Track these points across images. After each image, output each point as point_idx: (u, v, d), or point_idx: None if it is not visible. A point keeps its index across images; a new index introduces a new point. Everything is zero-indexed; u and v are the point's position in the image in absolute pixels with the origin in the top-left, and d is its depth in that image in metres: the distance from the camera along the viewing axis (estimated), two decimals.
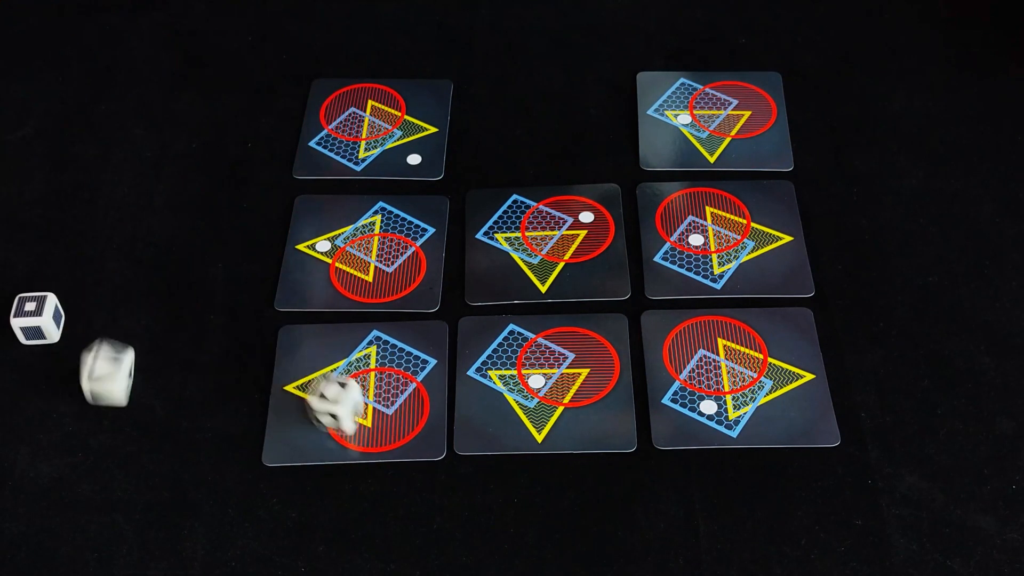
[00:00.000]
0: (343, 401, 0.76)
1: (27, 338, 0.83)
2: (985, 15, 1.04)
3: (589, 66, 1.01)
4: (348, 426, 0.77)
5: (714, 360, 0.82)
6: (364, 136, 0.96)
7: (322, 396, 0.76)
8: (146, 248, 0.89)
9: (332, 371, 0.81)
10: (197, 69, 1.01)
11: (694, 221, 0.89)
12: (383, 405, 0.80)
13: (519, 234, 0.89)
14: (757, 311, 0.84)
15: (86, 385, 0.77)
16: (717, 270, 0.86)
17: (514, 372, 0.81)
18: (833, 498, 0.75)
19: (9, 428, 0.79)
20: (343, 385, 0.77)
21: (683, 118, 0.96)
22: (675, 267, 0.87)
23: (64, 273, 0.87)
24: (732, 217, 0.89)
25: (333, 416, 0.77)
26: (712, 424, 0.79)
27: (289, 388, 0.81)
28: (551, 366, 0.82)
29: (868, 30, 1.03)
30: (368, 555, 0.73)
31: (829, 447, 0.77)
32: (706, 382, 0.81)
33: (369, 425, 0.79)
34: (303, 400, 0.78)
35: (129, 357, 0.79)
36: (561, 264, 0.87)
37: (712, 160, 0.93)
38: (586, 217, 0.90)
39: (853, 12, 1.05)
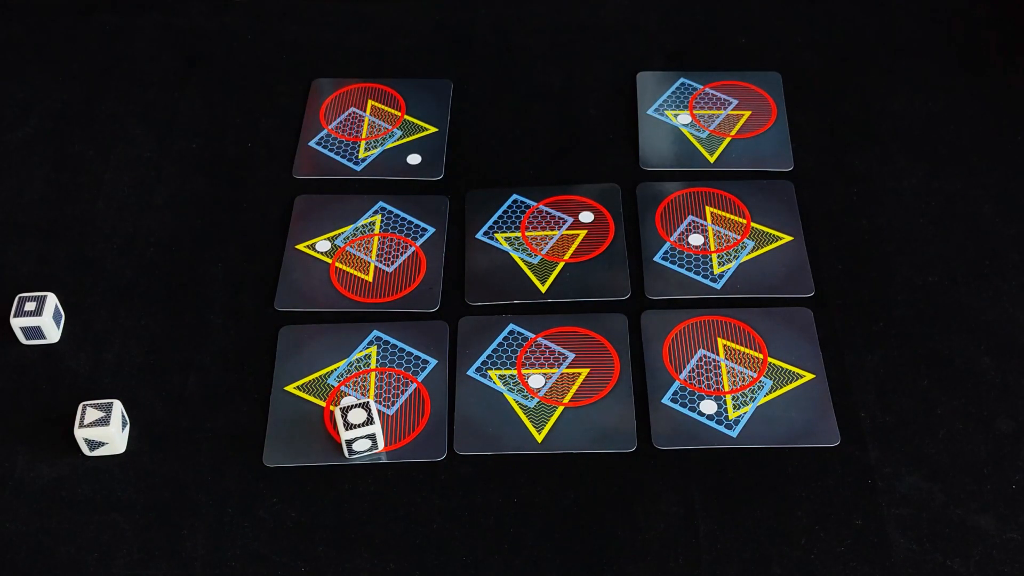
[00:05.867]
0: (374, 418, 0.76)
1: (27, 338, 0.83)
2: (985, 15, 1.04)
3: (589, 66, 1.01)
4: (382, 441, 0.77)
5: (714, 360, 0.82)
6: (364, 136, 0.96)
7: (350, 425, 0.76)
8: (146, 248, 0.89)
9: (340, 397, 0.80)
10: (197, 69, 1.01)
11: (694, 221, 0.89)
12: (384, 405, 0.80)
13: (519, 234, 0.89)
14: (757, 311, 0.84)
15: (79, 434, 0.77)
16: (717, 270, 0.86)
17: (514, 372, 0.81)
18: (833, 498, 0.75)
19: (9, 428, 0.79)
20: (361, 406, 0.77)
21: (683, 118, 0.96)
22: (675, 267, 0.87)
23: (64, 273, 0.87)
24: (732, 217, 0.89)
25: (369, 437, 0.76)
26: (712, 424, 0.79)
27: (289, 388, 0.81)
28: (551, 366, 0.82)
29: (868, 30, 1.03)
30: (368, 555, 0.73)
31: (829, 447, 0.77)
32: (706, 382, 0.81)
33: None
34: (340, 441, 0.77)
35: (117, 406, 0.78)
36: (561, 264, 0.87)
37: (712, 160, 0.93)
38: (586, 217, 0.90)
39: (853, 12, 1.05)
